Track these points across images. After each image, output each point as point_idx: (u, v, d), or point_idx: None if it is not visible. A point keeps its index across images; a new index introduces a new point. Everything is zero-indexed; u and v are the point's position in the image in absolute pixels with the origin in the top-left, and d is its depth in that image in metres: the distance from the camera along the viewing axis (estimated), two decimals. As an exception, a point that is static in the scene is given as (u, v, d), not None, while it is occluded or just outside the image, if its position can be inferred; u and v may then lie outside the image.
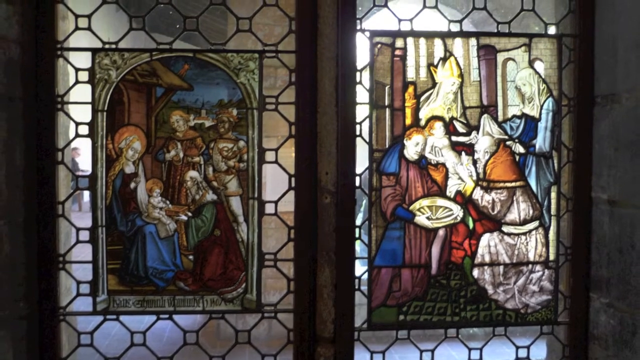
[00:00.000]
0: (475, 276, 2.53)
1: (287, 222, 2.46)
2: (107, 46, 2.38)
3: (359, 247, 2.61)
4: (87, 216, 2.44)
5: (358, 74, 2.43)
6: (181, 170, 2.41)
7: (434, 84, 2.47)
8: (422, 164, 2.47)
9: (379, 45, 2.45)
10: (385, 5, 2.50)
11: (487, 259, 2.53)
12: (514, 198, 2.52)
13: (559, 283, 2.57)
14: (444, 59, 2.47)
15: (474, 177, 2.50)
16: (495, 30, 2.53)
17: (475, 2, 2.54)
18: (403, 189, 2.47)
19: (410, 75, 2.46)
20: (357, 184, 2.45)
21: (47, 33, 2.34)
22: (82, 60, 2.42)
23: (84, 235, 2.39)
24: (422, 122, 2.47)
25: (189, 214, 2.41)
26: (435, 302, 2.51)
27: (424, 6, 2.52)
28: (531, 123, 2.52)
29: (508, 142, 2.51)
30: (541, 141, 2.53)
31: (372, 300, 2.49)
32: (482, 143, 2.49)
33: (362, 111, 2.45)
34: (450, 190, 2.49)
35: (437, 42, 2.47)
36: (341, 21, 2.40)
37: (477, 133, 2.49)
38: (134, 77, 2.38)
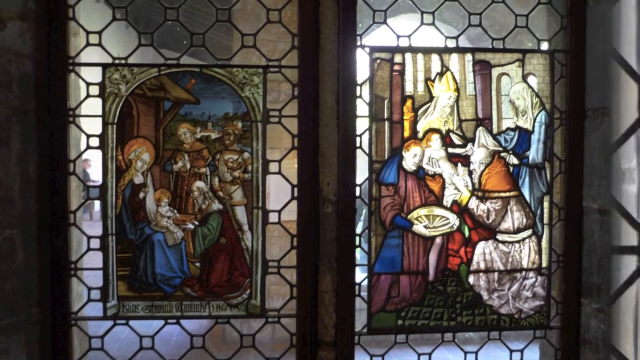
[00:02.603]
0: (471, 282, 2.60)
1: (290, 231, 2.53)
2: (117, 61, 2.44)
3: (359, 254, 2.68)
4: (97, 225, 2.49)
5: (358, 88, 2.49)
6: (188, 181, 2.47)
7: (431, 98, 2.54)
8: (419, 174, 2.55)
9: (378, 61, 2.52)
10: (385, 22, 2.58)
11: (482, 266, 2.60)
12: (508, 207, 2.60)
13: (551, 289, 2.64)
14: (441, 74, 2.54)
15: (470, 188, 2.57)
16: (490, 46, 2.60)
17: (471, 19, 2.61)
18: (401, 198, 2.54)
19: (409, 89, 2.53)
20: (357, 193, 2.51)
21: (60, 49, 2.40)
22: (93, 74, 2.48)
23: (95, 243, 2.46)
24: (420, 135, 2.54)
25: (196, 222, 2.48)
26: (433, 307, 2.58)
27: (422, 23, 2.59)
28: (525, 135, 2.59)
29: (502, 154, 2.58)
30: (534, 153, 2.60)
31: (372, 306, 2.56)
32: (478, 154, 2.57)
33: (362, 124, 2.51)
34: (447, 200, 2.56)
35: (434, 57, 2.54)
36: (342, 37, 2.47)
37: (473, 145, 2.56)
38: (142, 91, 2.44)
